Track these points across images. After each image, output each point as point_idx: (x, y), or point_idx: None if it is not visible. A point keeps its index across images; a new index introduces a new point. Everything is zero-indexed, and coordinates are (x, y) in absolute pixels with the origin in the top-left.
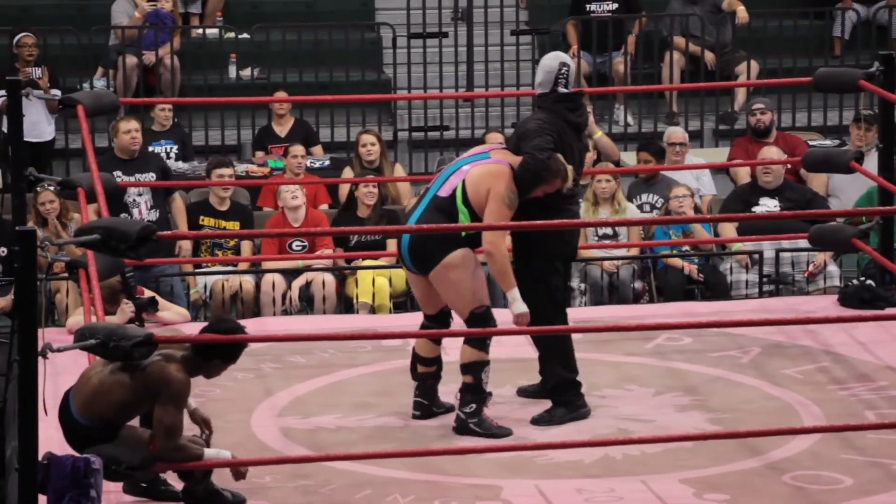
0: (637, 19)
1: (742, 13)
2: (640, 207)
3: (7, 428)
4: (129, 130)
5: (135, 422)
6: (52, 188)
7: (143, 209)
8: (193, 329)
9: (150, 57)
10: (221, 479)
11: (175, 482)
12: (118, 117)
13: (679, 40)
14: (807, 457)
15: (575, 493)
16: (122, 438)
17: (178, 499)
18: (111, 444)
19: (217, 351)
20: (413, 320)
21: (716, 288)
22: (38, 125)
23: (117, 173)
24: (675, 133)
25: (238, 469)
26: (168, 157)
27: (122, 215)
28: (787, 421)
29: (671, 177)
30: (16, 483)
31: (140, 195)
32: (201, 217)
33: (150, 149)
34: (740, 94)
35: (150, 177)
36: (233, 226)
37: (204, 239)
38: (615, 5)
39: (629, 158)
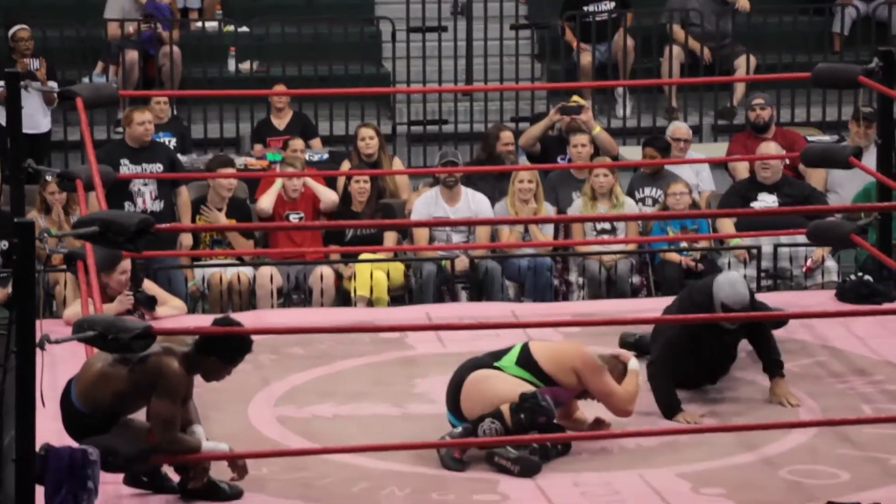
0: (630, 14)
1: (744, 1)
2: (641, 201)
3: (5, 419)
4: (143, 122)
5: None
6: (50, 179)
7: (147, 199)
8: (191, 322)
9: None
10: (219, 472)
11: (174, 476)
12: (120, 109)
13: (679, 34)
14: (803, 451)
15: (571, 487)
16: (119, 430)
17: (177, 492)
18: (108, 436)
19: (216, 348)
20: (410, 313)
21: None
22: (34, 117)
23: (124, 161)
24: (680, 129)
25: (236, 463)
26: None
27: (126, 204)
28: (784, 416)
29: (675, 172)
30: (13, 474)
31: (146, 185)
32: (197, 217)
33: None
34: (739, 89)
35: (158, 167)
36: (231, 223)
37: (203, 232)
38: (612, 4)
39: (628, 153)
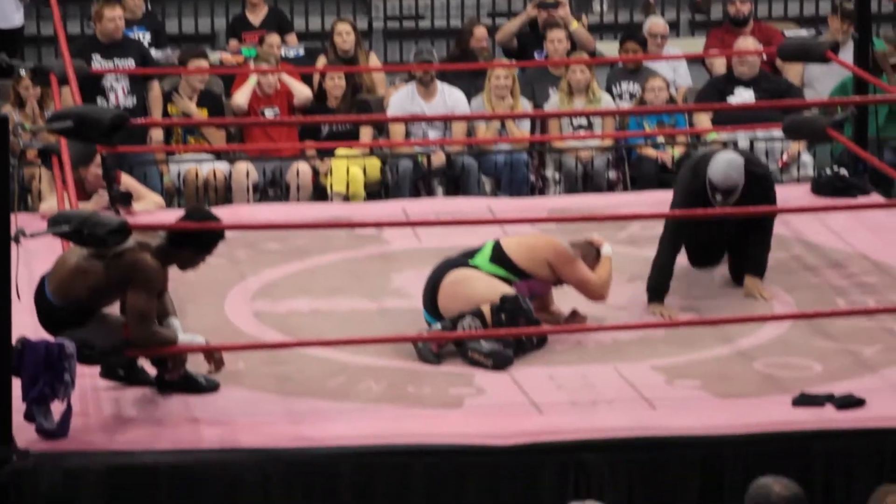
0: None
1: None
2: (619, 96)
3: None
4: (113, 18)
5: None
6: (24, 73)
7: (119, 95)
8: (168, 218)
9: None
10: (196, 366)
11: (150, 369)
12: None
13: None
14: (777, 344)
15: (547, 380)
16: (95, 324)
17: (154, 385)
18: (84, 329)
19: (189, 240)
20: (386, 209)
21: None
22: (6, 11)
23: (96, 56)
24: (657, 24)
25: (213, 356)
26: None
27: (99, 100)
28: (758, 309)
29: (651, 67)
30: None
31: (117, 80)
32: (168, 105)
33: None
34: None
35: (129, 62)
36: (203, 113)
37: (175, 126)
38: None
39: (605, 48)
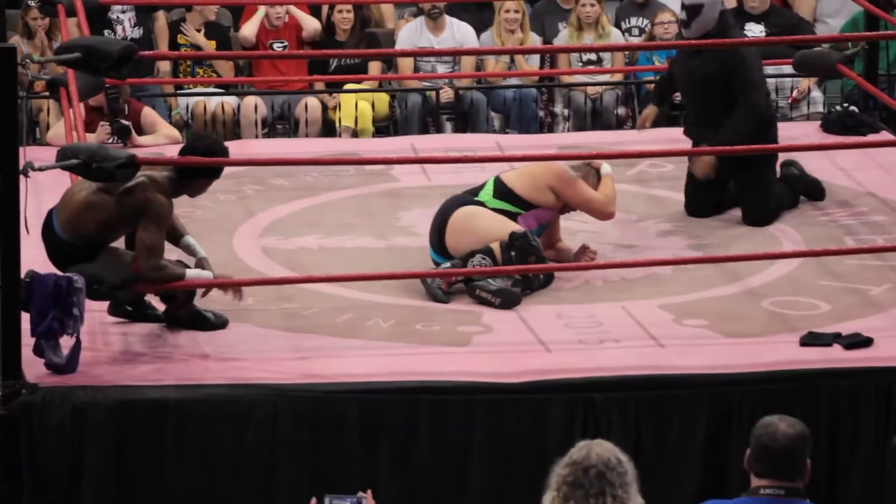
0: None
1: None
2: (628, 31)
3: None
4: None
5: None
6: (32, 4)
7: (126, 26)
8: (174, 151)
9: None
10: (204, 301)
11: (159, 305)
12: None
13: None
14: (785, 282)
15: (555, 319)
16: (104, 258)
17: (162, 321)
18: (93, 264)
19: (199, 169)
20: (395, 144)
21: None
22: None
23: None
24: None
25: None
26: None
27: (106, 32)
28: (766, 247)
29: (661, 1)
30: None
31: (124, 12)
32: (179, 36)
33: None
34: None
35: None
36: (210, 44)
37: (183, 59)
38: None
39: None
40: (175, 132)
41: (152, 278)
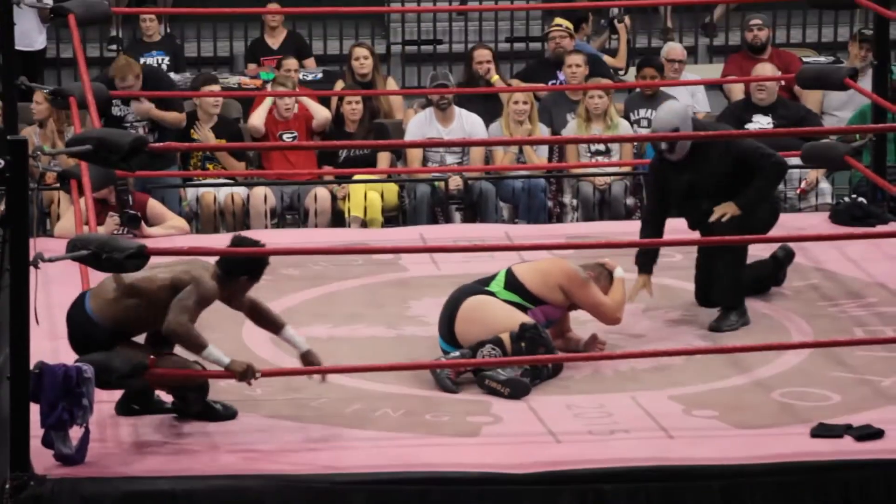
0: None
1: None
2: (637, 122)
3: None
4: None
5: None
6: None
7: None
8: (185, 242)
9: None
10: (213, 391)
11: (166, 397)
12: (112, 27)
13: None
14: (795, 374)
15: (564, 409)
16: (119, 348)
17: (171, 412)
18: (104, 353)
19: (241, 267)
20: (404, 235)
21: None
22: (30, 34)
23: (116, 102)
24: (675, 49)
25: (245, 373)
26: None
27: None
28: (776, 338)
29: (669, 93)
30: (7, 393)
31: (139, 121)
32: (191, 130)
33: (141, 60)
34: (720, 8)
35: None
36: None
37: (195, 151)
38: None
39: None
40: (183, 222)
41: (177, 332)
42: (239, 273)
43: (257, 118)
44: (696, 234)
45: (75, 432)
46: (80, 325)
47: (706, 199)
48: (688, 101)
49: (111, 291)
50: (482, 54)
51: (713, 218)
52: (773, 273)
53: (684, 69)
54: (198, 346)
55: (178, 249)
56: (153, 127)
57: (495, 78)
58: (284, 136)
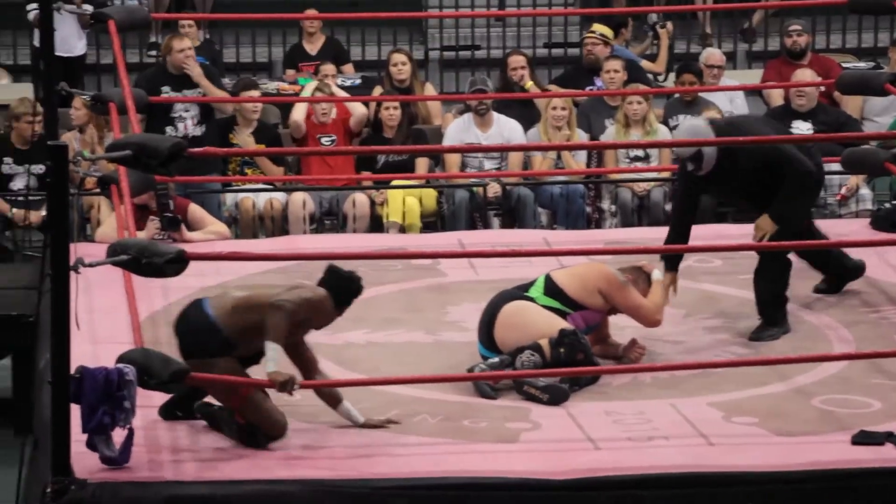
0: None
1: None
2: (676, 129)
3: (40, 341)
4: (182, 49)
5: None
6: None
7: (188, 124)
8: (224, 248)
9: None
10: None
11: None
12: (152, 33)
13: None
14: (836, 381)
15: (603, 416)
16: (156, 353)
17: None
18: (144, 355)
19: (345, 298)
20: (442, 240)
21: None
22: (69, 40)
23: (165, 88)
24: (714, 55)
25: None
26: None
27: (168, 129)
28: (816, 345)
29: (709, 99)
30: (49, 397)
31: (187, 111)
32: (230, 135)
33: None
34: (758, 13)
35: (198, 92)
36: (260, 146)
37: (233, 157)
38: None
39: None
40: (224, 227)
41: (282, 308)
42: (346, 304)
43: (298, 113)
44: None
45: (120, 434)
46: (199, 326)
47: (742, 201)
48: (727, 107)
49: (231, 302)
50: (516, 60)
51: (754, 239)
52: (844, 275)
53: (723, 74)
54: (278, 334)
55: (218, 255)
56: (201, 120)
57: (529, 84)
58: (323, 140)
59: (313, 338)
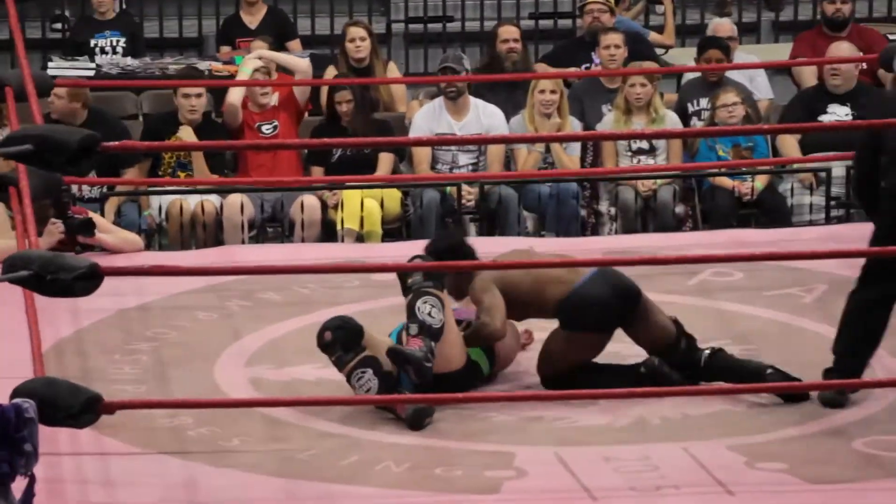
0: None
1: None
2: (696, 115)
3: None
4: None
5: None
6: None
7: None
8: (145, 260)
9: None
10: (181, 442)
11: None
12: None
13: None
14: (881, 418)
15: (602, 462)
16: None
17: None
18: (46, 384)
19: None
20: (407, 250)
21: (774, 213)
22: None
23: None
24: (723, 25)
25: None
26: (114, 52)
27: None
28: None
29: (736, 80)
30: None
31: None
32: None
33: (93, 42)
34: None
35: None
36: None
37: (166, 158)
38: None
39: (675, 55)
40: (136, 238)
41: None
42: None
43: (235, 96)
44: None
45: (21, 482)
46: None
47: None
48: (746, 85)
49: None
50: (508, 31)
51: None
52: None
53: (736, 48)
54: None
55: (139, 269)
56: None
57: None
58: (263, 129)
59: (256, 372)
